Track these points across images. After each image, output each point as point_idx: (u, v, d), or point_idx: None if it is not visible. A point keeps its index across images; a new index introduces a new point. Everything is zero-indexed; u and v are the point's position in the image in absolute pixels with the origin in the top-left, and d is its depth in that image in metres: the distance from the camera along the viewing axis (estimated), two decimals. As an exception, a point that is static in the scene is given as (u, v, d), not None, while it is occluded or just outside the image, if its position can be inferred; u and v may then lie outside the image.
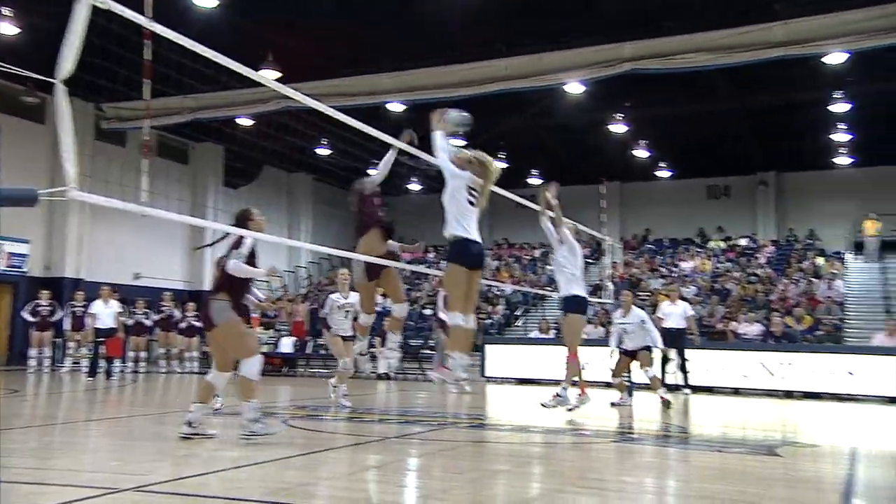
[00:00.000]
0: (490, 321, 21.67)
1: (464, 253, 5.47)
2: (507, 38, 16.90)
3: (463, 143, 7.64)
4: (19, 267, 19.17)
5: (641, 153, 24.35)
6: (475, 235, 5.53)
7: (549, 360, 14.32)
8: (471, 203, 5.58)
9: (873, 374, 14.20)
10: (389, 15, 16.30)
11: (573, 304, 7.94)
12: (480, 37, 16.75)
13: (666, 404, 9.78)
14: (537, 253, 27.07)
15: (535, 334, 18.77)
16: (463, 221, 5.51)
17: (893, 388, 13.92)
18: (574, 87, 17.98)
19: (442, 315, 11.62)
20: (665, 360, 13.37)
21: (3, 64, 4.88)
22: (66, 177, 3.54)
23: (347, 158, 24.61)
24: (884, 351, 14.84)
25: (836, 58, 15.79)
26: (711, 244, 26.23)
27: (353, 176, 30.66)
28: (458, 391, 10.87)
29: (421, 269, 15.64)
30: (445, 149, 5.72)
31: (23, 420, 8.25)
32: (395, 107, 19.26)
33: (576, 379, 8.09)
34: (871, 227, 24.07)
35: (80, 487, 3.97)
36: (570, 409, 8.03)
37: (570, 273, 8.09)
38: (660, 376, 11.67)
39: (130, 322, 17.19)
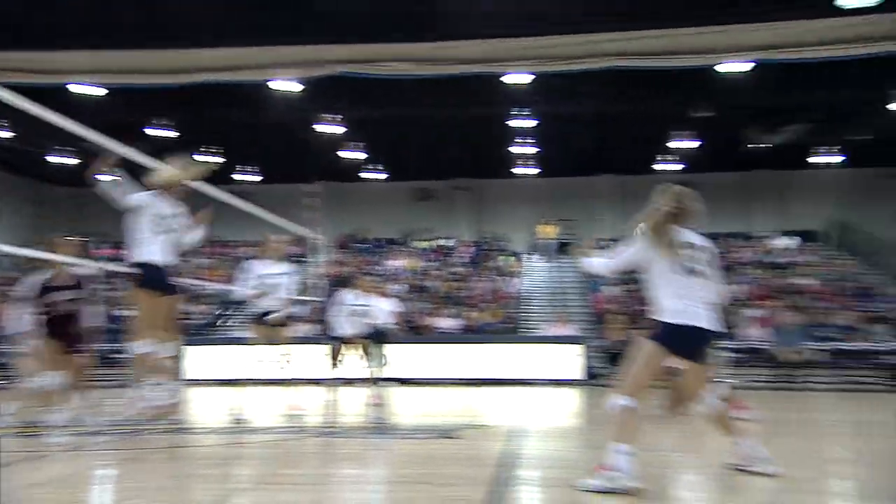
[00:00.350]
0: (195, 321, 21.35)
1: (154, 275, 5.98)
2: (216, 29, 16.47)
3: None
4: None
5: (355, 154, 25.11)
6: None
7: (256, 361, 13.42)
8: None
9: (546, 361, 15.94)
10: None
11: None
12: (188, 23, 16.29)
13: (376, 402, 9.88)
14: (250, 251, 25.73)
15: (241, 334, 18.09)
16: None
17: (561, 372, 15.72)
18: (288, 85, 18.30)
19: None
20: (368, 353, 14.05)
21: None
22: None
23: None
24: (554, 339, 16.72)
25: (521, 78, 17.25)
26: (418, 244, 27.14)
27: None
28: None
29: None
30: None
31: None
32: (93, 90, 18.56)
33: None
34: (548, 231, 26.42)
35: None
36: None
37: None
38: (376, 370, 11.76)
39: None
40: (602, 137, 23.79)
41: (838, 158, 25.47)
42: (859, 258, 23.65)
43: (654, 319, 4.31)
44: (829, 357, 16.37)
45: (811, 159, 25.80)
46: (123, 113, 20.16)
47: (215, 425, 8.62)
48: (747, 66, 16.14)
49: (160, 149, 21.03)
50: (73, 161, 25.04)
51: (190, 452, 6.78)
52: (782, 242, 25.02)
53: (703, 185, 25.76)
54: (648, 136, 23.73)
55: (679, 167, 26.29)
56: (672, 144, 24.29)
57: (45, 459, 6.07)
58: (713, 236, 19.91)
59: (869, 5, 13.32)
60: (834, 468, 5.23)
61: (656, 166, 26.75)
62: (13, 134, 22.37)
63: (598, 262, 5.00)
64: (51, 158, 25.68)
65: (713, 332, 4.41)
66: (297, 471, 5.28)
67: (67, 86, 18.01)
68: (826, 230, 26.02)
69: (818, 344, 16.40)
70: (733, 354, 14.32)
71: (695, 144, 23.61)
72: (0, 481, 3.97)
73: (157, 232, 5.96)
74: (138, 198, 5.80)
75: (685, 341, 4.23)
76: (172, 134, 22.23)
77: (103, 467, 5.74)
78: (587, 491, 3.96)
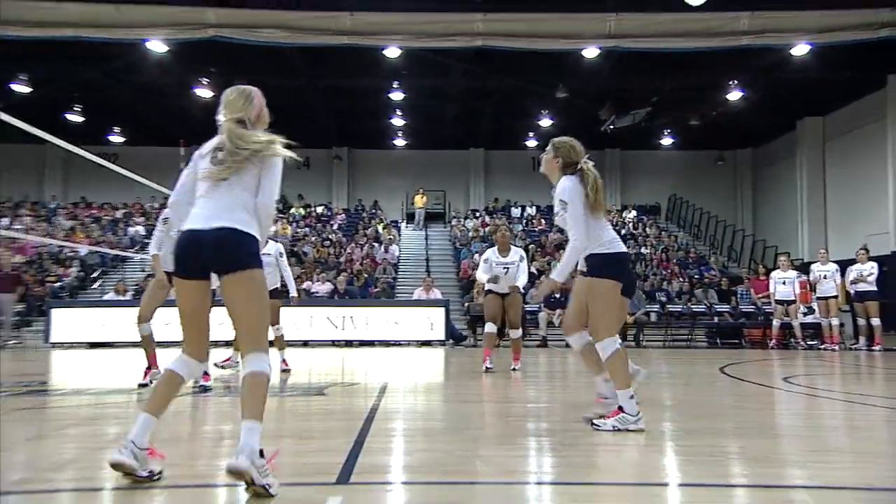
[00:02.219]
0: (60, 284, 21.36)
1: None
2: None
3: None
4: None
5: (229, 120, 24.81)
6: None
7: (124, 323, 12.88)
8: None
9: (413, 323, 16.96)
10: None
11: None
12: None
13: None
14: (119, 214, 26.89)
15: (110, 296, 18.56)
16: None
17: (426, 333, 16.81)
18: (157, 46, 18.18)
19: None
20: None
21: None
22: None
23: None
24: (420, 303, 17.70)
25: (392, 52, 18.21)
26: (293, 210, 27.75)
27: None
28: None
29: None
30: None
31: None
32: None
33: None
34: (419, 201, 28.06)
35: None
36: None
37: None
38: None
39: None
40: (469, 113, 25.39)
41: (670, 140, 27.91)
42: (688, 233, 26.49)
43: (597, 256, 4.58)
44: (662, 318, 18.10)
45: (658, 140, 28.05)
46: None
47: (76, 386, 8.54)
48: (597, 53, 17.72)
49: (16, 105, 20.69)
50: None
51: (49, 413, 6.71)
52: (629, 216, 27.29)
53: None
54: (512, 113, 25.64)
55: (536, 143, 28.12)
56: (532, 122, 26.37)
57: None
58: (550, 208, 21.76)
59: (699, 4, 15.22)
60: (656, 413, 5.30)
61: (519, 142, 28.79)
62: None
63: (574, 253, 4.70)
64: None
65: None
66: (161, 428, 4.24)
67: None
68: (662, 205, 28.89)
69: (653, 307, 18.21)
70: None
71: (550, 122, 25.43)
72: None
73: None
74: None
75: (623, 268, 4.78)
76: (28, 90, 21.69)
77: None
78: (604, 430, 4.43)
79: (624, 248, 4.75)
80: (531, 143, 28.65)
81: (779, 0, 15.95)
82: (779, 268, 16.01)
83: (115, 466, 2.95)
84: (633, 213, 28.01)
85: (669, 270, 22.14)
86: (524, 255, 10.10)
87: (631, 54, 17.62)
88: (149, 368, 6.99)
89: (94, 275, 22.86)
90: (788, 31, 16.53)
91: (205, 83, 21.78)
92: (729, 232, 25.60)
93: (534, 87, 22.33)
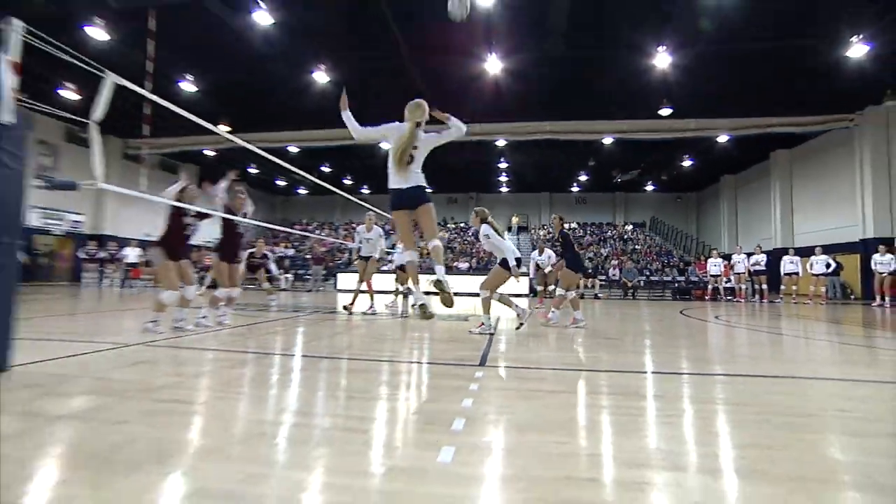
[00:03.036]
0: (341, 261, 20.53)
1: (393, 200, 3.79)
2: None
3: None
4: (77, 228, 18.92)
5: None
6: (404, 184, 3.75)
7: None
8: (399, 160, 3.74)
9: (510, 285, 18.90)
10: None
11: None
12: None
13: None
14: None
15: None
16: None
17: (518, 291, 17.67)
18: None
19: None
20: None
21: (72, 116, 5.00)
22: (95, 175, 3.54)
23: (269, 175, 24.86)
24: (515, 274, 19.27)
25: (500, 142, 17.85)
26: (449, 225, 26.86)
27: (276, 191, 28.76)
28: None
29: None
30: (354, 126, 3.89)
31: (70, 306, 8.28)
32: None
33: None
34: (514, 220, 27.31)
35: (95, 342, 3.97)
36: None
37: None
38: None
39: (143, 259, 17.18)
40: (541, 174, 25.14)
41: (651, 187, 27.68)
42: (662, 237, 25.75)
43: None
44: (647, 283, 18.20)
45: (644, 187, 27.78)
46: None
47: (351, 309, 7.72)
48: (611, 140, 17.35)
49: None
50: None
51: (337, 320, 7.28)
52: (628, 228, 26.94)
53: (590, 199, 29.27)
54: (563, 171, 24.76)
55: (577, 189, 28.77)
56: (574, 178, 26.31)
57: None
58: (598, 225, 22.57)
59: (667, 114, 15.47)
60: (637, 336, 5.07)
61: (570, 188, 28.87)
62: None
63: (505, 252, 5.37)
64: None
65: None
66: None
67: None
68: (647, 223, 28.09)
69: (642, 277, 18.21)
70: (602, 283, 17.28)
71: (586, 177, 25.70)
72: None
73: None
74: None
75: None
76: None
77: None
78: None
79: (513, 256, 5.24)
80: (574, 189, 28.71)
81: (708, 112, 15.83)
82: (711, 257, 16.35)
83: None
84: (630, 226, 27.48)
85: (651, 258, 21.78)
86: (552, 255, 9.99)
87: (629, 141, 17.24)
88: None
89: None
90: (715, 129, 16.46)
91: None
92: (682, 236, 24.61)
93: (575, 159, 21.66)
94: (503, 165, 23.23)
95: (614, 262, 19.11)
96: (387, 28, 11.55)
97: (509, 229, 27.70)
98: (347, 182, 26.10)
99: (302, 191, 30.58)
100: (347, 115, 3.92)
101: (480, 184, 27.84)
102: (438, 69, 13.52)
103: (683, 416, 2.29)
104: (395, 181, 3.79)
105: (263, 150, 6.93)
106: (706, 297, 15.52)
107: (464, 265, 19.46)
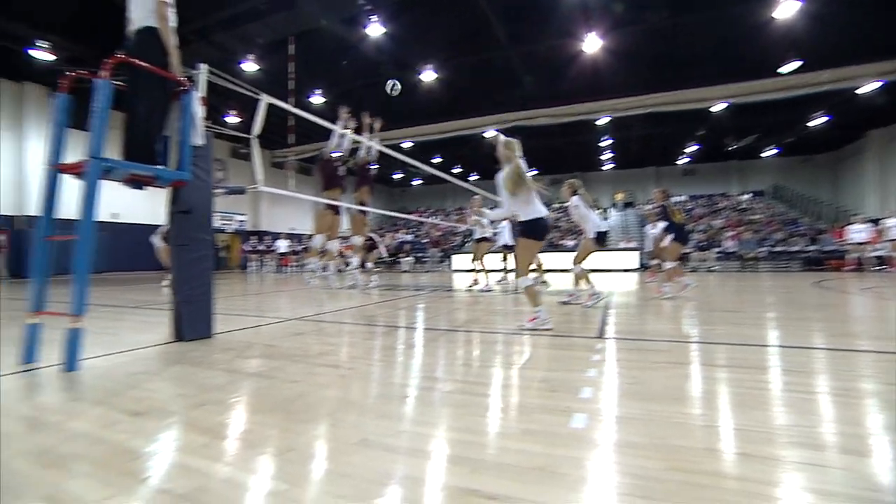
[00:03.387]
0: (454, 244, 20.99)
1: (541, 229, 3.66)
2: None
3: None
4: (243, 226, 21.15)
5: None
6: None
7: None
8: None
9: (619, 259, 16.54)
10: None
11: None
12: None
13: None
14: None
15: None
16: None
17: (626, 265, 16.41)
18: None
19: None
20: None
21: (235, 133, 5.68)
22: (257, 180, 4.02)
23: (388, 169, 25.74)
24: (622, 249, 17.45)
25: (602, 120, 16.76)
26: (553, 205, 28.60)
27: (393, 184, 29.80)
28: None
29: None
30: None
31: (243, 288, 9.11)
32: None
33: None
34: (618, 196, 26.48)
35: (263, 317, 4.45)
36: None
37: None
38: None
39: (292, 249, 18.63)
40: (645, 147, 23.17)
41: (773, 151, 24.09)
42: (786, 204, 22.73)
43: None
44: (769, 255, 16.29)
45: (763, 153, 24.25)
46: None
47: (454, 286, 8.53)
48: (723, 106, 15.56)
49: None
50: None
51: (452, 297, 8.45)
52: (745, 197, 24.15)
53: (700, 171, 26.42)
54: (670, 143, 22.63)
55: (686, 160, 26.05)
56: (682, 149, 23.95)
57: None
58: (710, 197, 20.36)
59: (792, 70, 13.49)
60: (762, 309, 4.60)
61: (677, 160, 26.32)
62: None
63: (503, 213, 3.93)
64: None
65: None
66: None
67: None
68: (768, 190, 24.89)
69: (764, 248, 16.41)
70: (717, 256, 16.21)
71: (695, 148, 23.04)
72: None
73: None
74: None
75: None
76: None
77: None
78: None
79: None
80: (682, 161, 26.06)
81: (847, 59, 12.94)
82: (853, 223, 13.77)
83: None
84: (748, 195, 24.34)
85: (773, 227, 18.94)
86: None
87: (744, 105, 15.12)
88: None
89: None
90: (857, 77, 13.43)
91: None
92: (811, 203, 21.30)
93: (683, 130, 19.61)
94: (606, 143, 21.96)
95: (729, 233, 17.04)
96: (488, 24, 11.57)
97: (615, 205, 26.36)
98: (457, 171, 26.45)
99: (416, 182, 31.65)
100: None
101: (583, 163, 26.38)
102: (539, 55, 13.19)
103: (824, 394, 2.03)
104: (540, 210, 3.58)
105: (383, 146, 7.42)
106: (846, 268, 13.49)
107: (571, 243, 18.80)
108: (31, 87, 14.30)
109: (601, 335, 3.51)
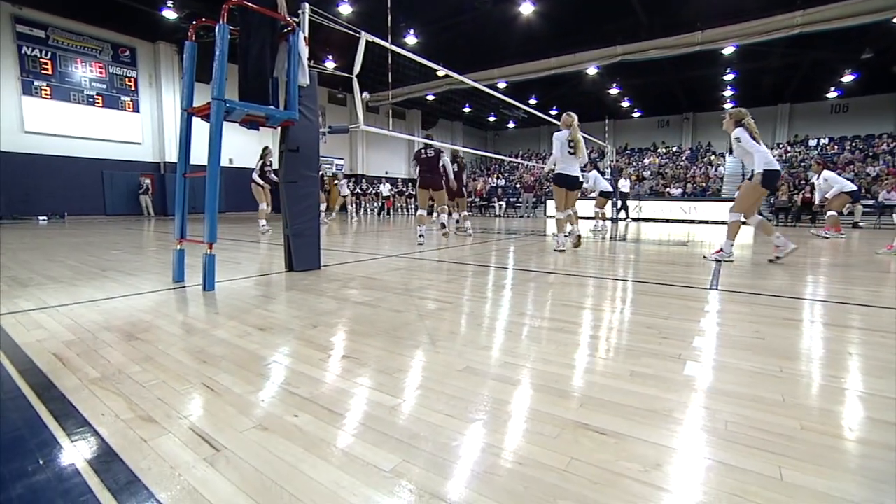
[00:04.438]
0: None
1: (560, 180, 5.13)
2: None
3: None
4: (341, 169, 22.02)
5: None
6: (572, 172, 5.11)
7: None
8: (570, 153, 5.13)
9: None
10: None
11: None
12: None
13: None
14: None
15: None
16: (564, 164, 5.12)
17: None
18: None
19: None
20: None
21: (336, 73, 5.17)
22: (359, 120, 4.18)
23: (481, 112, 26.21)
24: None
25: (728, 50, 14.80)
26: (659, 150, 23.94)
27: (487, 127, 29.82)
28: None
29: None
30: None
31: (342, 229, 10.01)
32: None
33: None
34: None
35: (366, 254, 5.03)
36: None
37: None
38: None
39: (394, 192, 19.59)
40: (782, 80, 19.88)
41: None
42: None
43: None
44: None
45: None
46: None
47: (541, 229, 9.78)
48: None
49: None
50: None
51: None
52: None
53: (855, 106, 21.96)
54: (815, 73, 18.91)
55: (836, 94, 21.65)
56: (835, 78, 19.68)
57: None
58: (865, 138, 16.64)
59: None
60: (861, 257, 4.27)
61: (825, 95, 21.97)
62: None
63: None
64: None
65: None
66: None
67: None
68: None
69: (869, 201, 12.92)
70: (867, 210, 12.73)
71: (852, 77, 19.14)
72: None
73: None
74: None
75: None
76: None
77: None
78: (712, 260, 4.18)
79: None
80: (831, 95, 21.78)
81: None
82: None
83: None
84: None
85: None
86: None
87: None
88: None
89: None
90: None
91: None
92: None
93: (838, 54, 15.86)
94: (728, 77, 19.21)
95: (891, 181, 14.34)
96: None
97: (731, 150, 23.35)
98: (553, 112, 25.12)
99: (510, 125, 30.73)
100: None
101: (698, 102, 23.66)
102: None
103: None
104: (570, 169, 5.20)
105: (477, 88, 7.21)
106: None
107: (676, 191, 17.62)
108: (163, 45, 15.86)
109: (713, 286, 3.23)
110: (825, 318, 2.45)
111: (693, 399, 1.40)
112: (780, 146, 22.09)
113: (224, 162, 17.03)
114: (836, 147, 20.81)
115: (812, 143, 22.17)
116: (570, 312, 2.44)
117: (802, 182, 15.98)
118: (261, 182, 7.63)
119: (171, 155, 16.23)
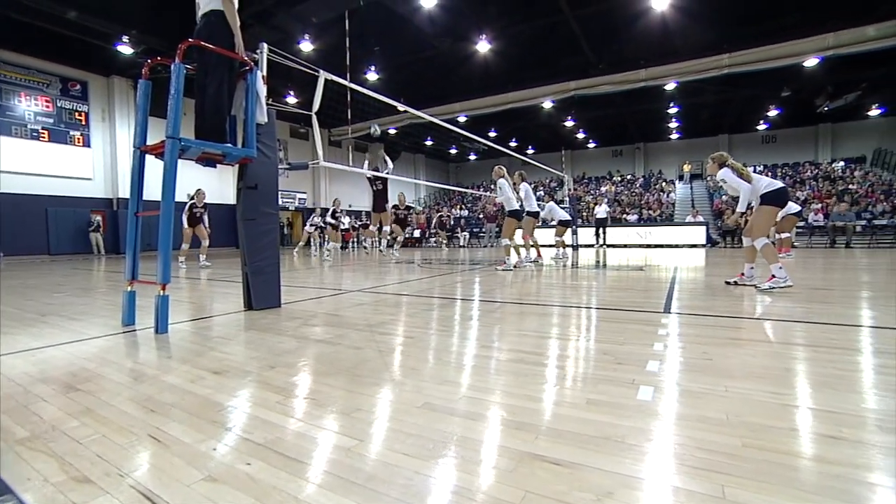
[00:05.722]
0: None
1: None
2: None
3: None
4: (303, 203, 22.21)
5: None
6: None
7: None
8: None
9: (685, 234, 15.47)
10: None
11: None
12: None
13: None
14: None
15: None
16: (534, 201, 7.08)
17: (693, 240, 15.29)
18: None
19: None
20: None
21: (295, 111, 5.59)
22: (318, 156, 4.13)
23: (442, 145, 26.68)
24: (689, 223, 15.78)
25: (670, 86, 16.29)
26: (615, 178, 24.90)
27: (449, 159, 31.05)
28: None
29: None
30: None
31: (304, 263, 9.91)
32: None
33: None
34: (686, 168, 24.51)
35: (328, 289, 5.00)
36: None
37: None
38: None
39: (353, 225, 19.62)
40: (718, 114, 21.67)
41: (877, 111, 21.30)
42: (890, 172, 20.19)
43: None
44: (866, 229, 14.42)
45: (865, 113, 21.53)
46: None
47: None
48: (816, 62, 13.47)
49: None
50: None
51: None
52: (838, 165, 21.58)
53: (782, 137, 24.01)
54: (746, 108, 20.72)
55: (765, 127, 23.78)
56: (763, 114, 21.84)
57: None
58: (796, 164, 18.28)
59: None
60: (853, 288, 4.01)
61: (755, 127, 24.13)
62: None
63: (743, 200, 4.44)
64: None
65: None
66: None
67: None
68: (868, 156, 21.95)
69: (861, 222, 14.66)
70: (799, 231, 13.97)
71: (775, 112, 21.18)
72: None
73: None
74: None
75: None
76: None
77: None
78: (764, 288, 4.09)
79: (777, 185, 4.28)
80: (760, 127, 23.85)
81: None
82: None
83: None
84: (841, 163, 21.84)
85: (874, 198, 17.06)
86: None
87: (843, 58, 13.28)
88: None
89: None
90: None
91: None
92: None
93: (763, 92, 17.66)
94: (673, 110, 20.85)
95: (816, 205, 15.63)
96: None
97: (681, 177, 24.72)
98: (513, 144, 25.97)
99: (472, 157, 31.49)
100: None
101: (647, 133, 25.33)
102: (599, 17, 12.53)
103: None
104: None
105: (434, 122, 7.52)
106: None
107: (632, 217, 18.44)
108: (118, 80, 15.54)
109: (666, 310, 3.36)
110: (769, 336, 2.58)
111: (645, 424, 1.43)
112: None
113: (181, 197, 16.47)
114: (769, 174, 22.49)
115: (750, 169, 23.82)
116: (529, 343, 2.46)
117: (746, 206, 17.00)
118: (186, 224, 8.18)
119: (125, 191, 15.69)
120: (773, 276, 4.12)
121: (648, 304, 3.57)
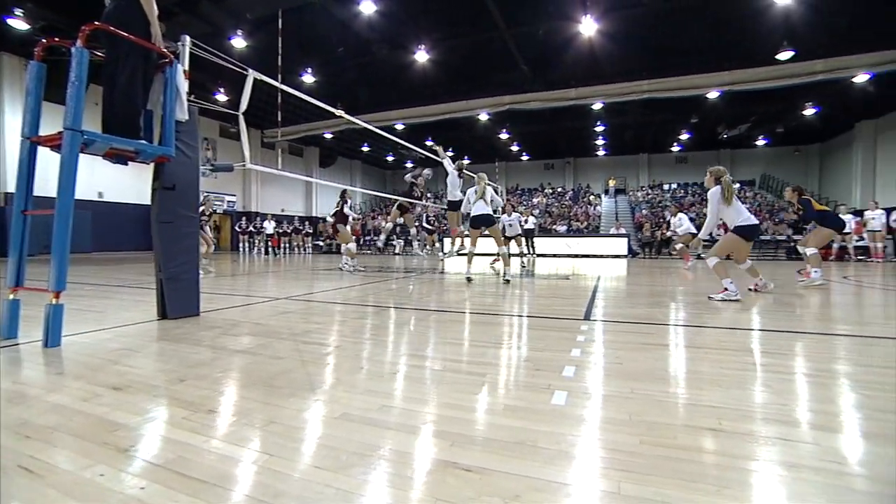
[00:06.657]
0: None
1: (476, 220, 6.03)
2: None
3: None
4: (232, 206, 21.21)
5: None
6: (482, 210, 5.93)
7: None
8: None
9: (609, 245, 16.48)
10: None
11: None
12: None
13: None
14: None
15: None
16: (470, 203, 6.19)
17: (616, 251, 15.93)
18: None
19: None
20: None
21: (223, 110, 5.37)
22: (245, 158, 4.01)
23: (379, 152, 26.12)
24: (613, 235, 16.88)
25: (597, 106, 16.55)
26: (546, 191, 25.71)
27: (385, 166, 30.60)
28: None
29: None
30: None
31: (232, 269, 9.76)
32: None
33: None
34: (611, 183, 25.96)
35: (255, 297, 4.63)
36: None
37: None
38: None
39: (280, 230, 18.64)
40: (639, 135, 23.01)
41: (763, 141, 23.90)
42: (774, 195, 22.74)
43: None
44: (756, 244, 16.75)
45: (755, 142, 24.06)
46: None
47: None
48: (717, 95, 15.04)
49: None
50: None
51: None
52: (735, 186, 24.69)
53: (692, 158, 26.39)
54: (662, 130, 22.51)
55: (678, 149, 26.04)
56: (676, 137, 23.76)
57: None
58: (701, 184, 20.08)
59: (787, 58, 13.25)
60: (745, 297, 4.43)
61: (670, 148, 26.09)
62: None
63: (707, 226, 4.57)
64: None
65: None
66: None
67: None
68: (756, 180, 24.82)
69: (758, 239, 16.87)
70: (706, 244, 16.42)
71: (687, 136, 23.12)
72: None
73: None
74: None
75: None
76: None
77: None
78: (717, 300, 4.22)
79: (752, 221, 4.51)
80: (674, 148, 25.99)
81: (841, 49, 12.85)
82: (839, 212, 13.89)
83: None
84: (738, 184, 24.54)
85: (761, 216, 19.23)
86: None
87: (738, 93, 14.99)
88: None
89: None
90: (850, 68, 13.43)
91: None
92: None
93: (676, 117, 19.20)
94: (600, 129, 21.75)
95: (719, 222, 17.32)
96: (483, 3, 11.40)
97: (607, 192, 26.21)
98: (450, 154, 26.17)
99: (409, 165, 31.43)
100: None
101: (576, 148, 26.21)
102: (534, 37, 13.03)
103: (799, 375, 2.08)
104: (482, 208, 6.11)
105: (369, 129, 7.46)
106: (830, 257, 13.61)
107: (561, 228, 19.10)
108: (8, 57, 13.80)
109: (587, 317, 3.54)
110: (676, 341, 2.79)
111: (556, 428, 1.48)
112: (643, 189, 25.36)
113: (92, 196, 15.04)
114: (682, 191, 24.60)
115: (666, 187, 25.94)
116: (453, 350, 2.48)
117: (661, 220, 18.42)
118: None
119: (12, 185, 13.93)
120: (726, 290, 4.35)
121: (571, 312, 3.70)
